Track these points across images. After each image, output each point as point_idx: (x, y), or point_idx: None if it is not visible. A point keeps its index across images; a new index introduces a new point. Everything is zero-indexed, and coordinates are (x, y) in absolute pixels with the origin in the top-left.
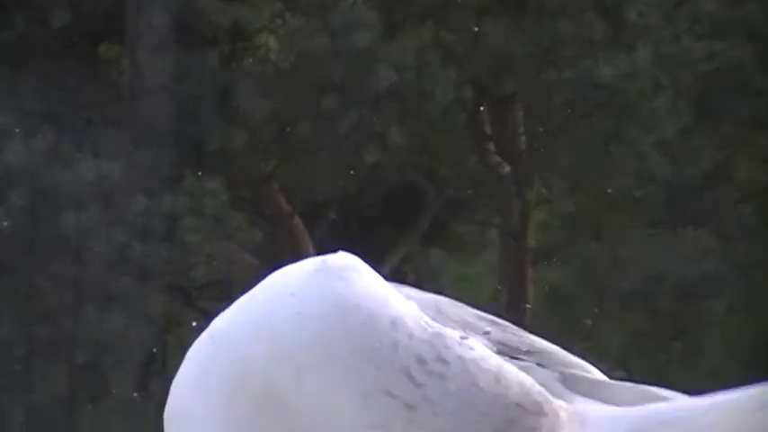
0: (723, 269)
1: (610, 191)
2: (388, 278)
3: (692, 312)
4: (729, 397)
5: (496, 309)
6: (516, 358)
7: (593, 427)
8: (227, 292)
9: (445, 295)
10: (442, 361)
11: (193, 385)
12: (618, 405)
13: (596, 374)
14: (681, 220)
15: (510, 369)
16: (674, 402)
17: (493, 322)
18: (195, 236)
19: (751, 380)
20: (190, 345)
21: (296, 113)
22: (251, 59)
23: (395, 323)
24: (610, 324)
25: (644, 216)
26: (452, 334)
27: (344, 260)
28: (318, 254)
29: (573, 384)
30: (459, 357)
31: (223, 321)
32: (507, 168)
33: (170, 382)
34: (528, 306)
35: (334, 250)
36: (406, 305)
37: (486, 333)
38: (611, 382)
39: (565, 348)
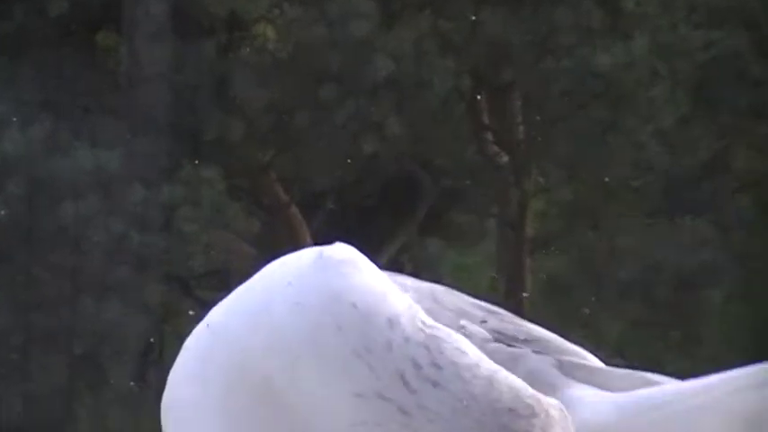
0: (721, 258)
1: (607, 180)
2: (385, 268)
3: (690, 301)
4: (723, 377)
5: (495, 298)
6: (512, 346)
7: (584, 412)
8: (225, 281)
9: (443, 284)
10: (437, 366)
11: (192, 375)
12: (615, 391)
13: (593, 361)
14: (679, 209)
15: (502, 373)
16: (666, 386)
17: (489, 311)
18: (193, 225)
19: None
20: (187, 334)
21: (293, 103)
22: (248, 49)
23: (391, 323)
24: (608, 313)
25: (642, 205)
26: (448, 332)
27: (342, 253)
28: (316, 243)
29: (569, 371)
30: (453, 363)
31: (221, 312)
32: (505, 158)
33: (168, 372)
34: (525, 295)
35: (332, 241)
36: (404, 301)
37: (484, 322)
38: (609, 368)
39: (563, 337)
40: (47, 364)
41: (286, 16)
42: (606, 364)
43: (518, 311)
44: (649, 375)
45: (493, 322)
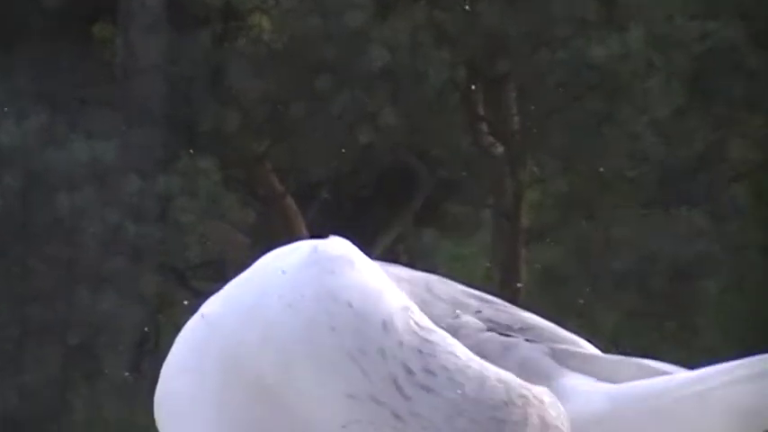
0: (716, 249)
1: (603, 171)
2: (381, 258)
3: (685, 292)
4: (718, 369)
5: (489, 288)
6: (506, 335)
7: (577, 402)
8: (221, 272)
9: (438, 275)
10: (429, 372)
11: (187, 368)
12: (610, 378)
13: (588, 349)
14: (674, 200)
15: (492, 369)
16: (660, 377)
17: (484, 300)
18: (188, 216)
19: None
20: (183, 325)
21: (289, 94)
22: (244, 40)
23: (385, 326)
24: (603, 304)
25: (637, 196)
26: (443, 336)
27: (337, 249)
28: (311, 234)
29: (563, 359)
30: (445, 368)
31: (217, 304)
32: (500, 149)
33: (163, 362)
34: (519, 285)
35: (328, 233)
36: (399, 301)
37: (478, 312)
38: (604, 356)
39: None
40: (42, 355)
41: (281, 7)
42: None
43: (513, 302)
44: (644, 361)
45: (487, 312)
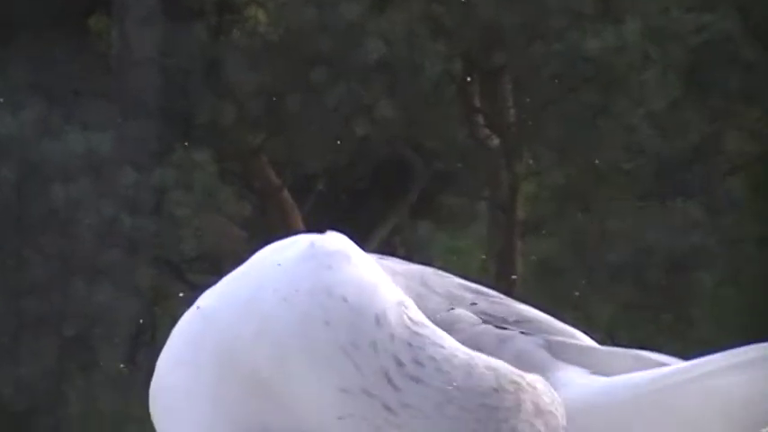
0: (712, 241)
1: (598, 163)
2: (377, 251)
3: (681, 284)
4: (713, 359)
5: (485, 281)
6: (502, 328)
7: (572, 393)
8: (216, 265)
9: (434, 267)
10: (418, 363)
11: (183, 361)
12: (605, 370)
13: (584, 340)
14: (670, 192)
15: (481, 357)
16: (654, 369)
17: (479, 293)
18: (184, 209)
19: None
20: (179, 317)
21: (285, 86)
22: (239, 32)
23: (378, 320)
24: (598, 296)
25: (633, 188)
26: (433, 330)
27: (334, 244)
28: (308, 227)
29: (558, 351)
30: (433, 359)
31: (213, 297)
32: (496, 141)
33: (159, 355)
34: (514, 277)
35: (324, 226)
36: (394, 295)
37: (473, 304)
38: (600, 347)
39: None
40: (38, 347)
41: None
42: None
43: (508, 294)
44: (640, 353)
45: (483, 304)
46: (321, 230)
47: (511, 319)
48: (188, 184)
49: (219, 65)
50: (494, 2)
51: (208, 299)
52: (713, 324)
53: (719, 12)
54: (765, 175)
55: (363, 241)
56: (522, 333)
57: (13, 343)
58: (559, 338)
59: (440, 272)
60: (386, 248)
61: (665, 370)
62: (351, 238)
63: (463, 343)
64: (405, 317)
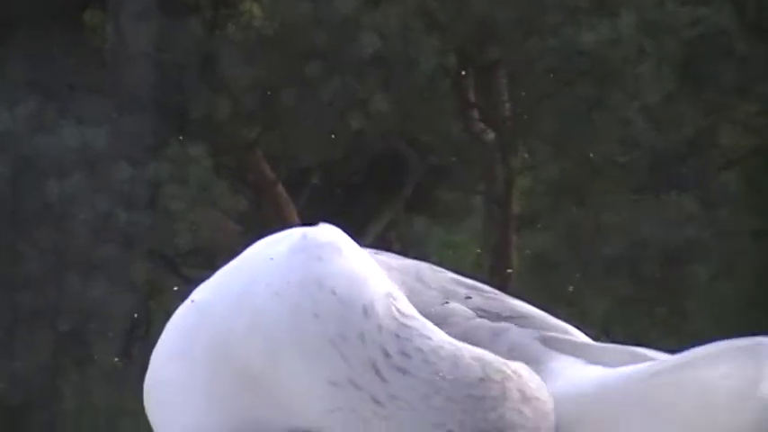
0: (707, 234)
1: (593, 157)
2: (373, 246)
3: (676, 277)
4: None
5: (480, 275)
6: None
7: (565, 384)
8: (211, 259)
9: (430, 262)
10: (405, 355)
11: (177, 354)
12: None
13: (579, 337)
14: (664, 185)
15: (467, 348)
16: (648, 361)
17: (474, 288)
18: (179, 203)
19: None
20: (173, 311)
21: (280, 80)
22: (234, 27)
23: (366, 312)
24: (593, 290)
25: (628, 182)
26: (423, 322)
27: (326, 236)
28: (303, 221)
29: (553, 346)
30: (419, 350)
31: (207, 291)
32: (491, 135)
33: (153, 349)
34: (509, 271)
35: (318, 220)
36: (384, 287)
37: (468, 299)
38: (594, 343)
39: (548, 314)
40: (33, 342)
41: None
42: (592, 340)
43: (504, 288)
44: (634, 349)
45: (478, 299)
46: (316, 224)
47: (505, 315)
48: (183, 179)
49: (214, 59)
50: None
51: (202, 292)
52: (708, 317)
53: (714, 5)
54: (760, 169)
55: (358, 236)
56: (518, 327)
57: (7, 337)
58: (553, 334)
59: (435, 267)
60: (381, 243)
61: (657, 362)
62: (346, 232)
63: (457, 337)
64: (393, 308)
